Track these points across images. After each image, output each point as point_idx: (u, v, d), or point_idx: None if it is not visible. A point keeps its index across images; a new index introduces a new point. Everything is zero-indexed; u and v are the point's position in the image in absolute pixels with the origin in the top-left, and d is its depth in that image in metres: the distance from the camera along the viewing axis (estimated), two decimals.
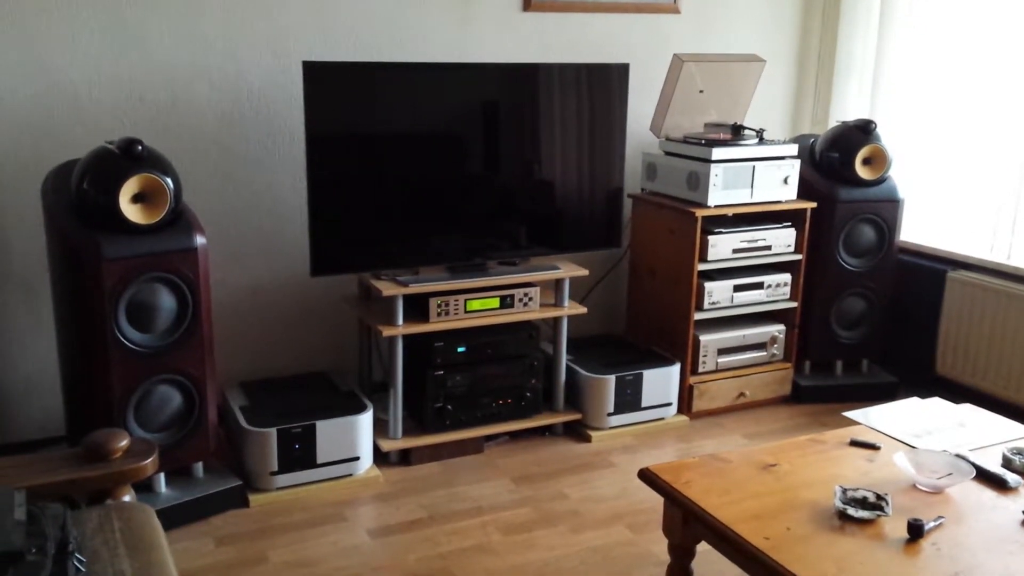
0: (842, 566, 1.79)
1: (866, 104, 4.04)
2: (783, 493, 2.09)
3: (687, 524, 2.10)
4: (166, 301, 2.56)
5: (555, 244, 3.29)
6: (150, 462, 2.06)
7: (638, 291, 3.72)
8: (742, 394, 3.56)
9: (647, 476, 2.17)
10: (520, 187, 3.20)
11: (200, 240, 2.59)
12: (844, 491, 2.04)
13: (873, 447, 2.34)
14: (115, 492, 2.04)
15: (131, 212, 2.48)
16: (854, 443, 2.37)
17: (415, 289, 2.96)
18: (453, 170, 3.08)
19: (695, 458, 2.28)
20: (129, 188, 2.46)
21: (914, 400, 2.68)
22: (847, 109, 4.08)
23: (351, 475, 2.90)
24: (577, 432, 3.33)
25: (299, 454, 2.81)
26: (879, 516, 1.95)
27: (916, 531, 1.88)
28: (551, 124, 3.19)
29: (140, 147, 2.50)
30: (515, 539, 2.63)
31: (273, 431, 2.76)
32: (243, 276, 3.27)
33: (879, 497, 2.02)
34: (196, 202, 3.09)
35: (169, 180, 2.54)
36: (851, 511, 1.97)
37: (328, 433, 2.83)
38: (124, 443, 2.04)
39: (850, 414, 2.58)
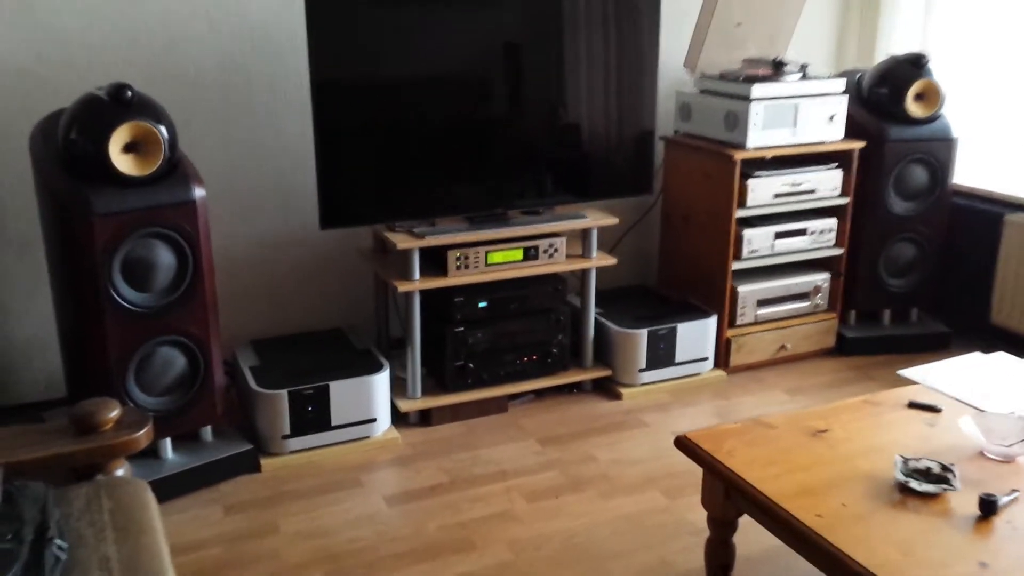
0: (907, 549, 1.59)
1: (917, 36, 3.74)
2: (836, 463, 1.90)
3: (729, 497, 1.91)
4: (164, 258, 2.39)
5: (582, 191, 3.07)
6: (143, 434, 1.89)
7: (671, 239, 3.49)
8: (783, 347, 3.35)
9: (684, 444, 1.99)
10: (544, 131, 2.97)
11: (199, 192, 2.41)
12: (905, 461, 1.84)
13: (934, 409, 2.13)
14: (107, 467, 1.89)
15: (122, 163, 2.30)
16: (912, 405, 2.15)
17: (432, 241, 2.77)
18: (471, 114, 2.86)
19: (737, 423, 2.09)
20: (119, 137, 2.28)
21: (976, 355, 2.45)
22: (896, 41, 3.78)
23: (368, 437, 2.75)
24: (607, 389, 3.15)
25: (312, 416, 2.65)
26: (946, 490, 1.75)
27: (989, 507, 1.68)
28: (576, 62, 2.95)
29: (130, 93, 2.30)
30: (541, 506, 2.47)
31: (284, 393, 2.61)
32: (252, 229, 3.09)
33: (944, 468, 1.81)
34: (197, 152, 2.90)
35: (163, 128, 2.35)
36: (914, 484, 1.77)
37: (342, 394, 2.67)
38: (115, 413, 1.88)
39: (906, 372, 2.36)
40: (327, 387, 2.65)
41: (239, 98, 2.97)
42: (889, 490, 1.79)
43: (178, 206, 2.38)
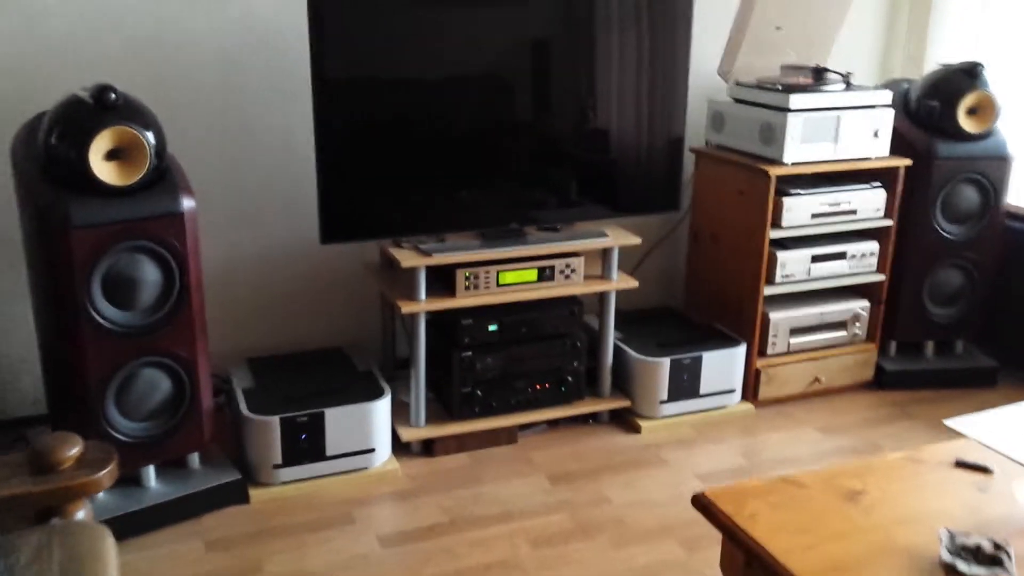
0: None
1: (971, 44, 3.48)
2: (873, 533, 1.68)
3: (750, 567, 1.70)
4: (149, 274, 2.23)
5: (604, 207, 2.86)
6: (106, 474, 1.73)
7: (699, 259, 3.28)
8: (817, 379, 3.12)
9: (702, 504, 1.78)
10: (565, 140, 2.77)
11: (187, 203, 2.24)
12: (952, 537, 1.62)
13: (985, 470, 1.90)
14: (65, 509, 1.73)
15: (104, 171, 2.14)
16: (960, 464, 1.92)
17: (439, 260, 2.58)
18: (486, 120, 2.66)
19: (762, 481, 1.87)
20: (101, 143, 2.12)
21: None
22: (948, 50, 3.52)
23: (365, 468, 2.57)
24: (625, 421, 2.94)
25: (305, 445, 2.48)
26: (998, 575, 1.53)
27: None
28: (601, 67, 2.74)
29: (114, 95, 2.14)
30: (546, 553, 2.27)
31: (276, 419, 2.44)
32: (253, 239, 2.93)
33: (997, 546, 1.59)
34: (195, 157, 2.75)
35: (149, 134, 2.18)
36: (962, 566, 1.55)
37: (339, 422, 2.50)
38: (75, 451, 1.72)
39: (953, 423, 2.13)
40: (322, 414, 2.48)
41: (240, 100, 2.80)
42: (932, 569, 1.57)
43: (164, 218, 2.21)
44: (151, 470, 2.38)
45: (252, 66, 2.78)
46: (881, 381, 3.23)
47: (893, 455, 1.99)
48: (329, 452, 2.51)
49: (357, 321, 3.11)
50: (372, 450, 2.56)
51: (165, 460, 2.39)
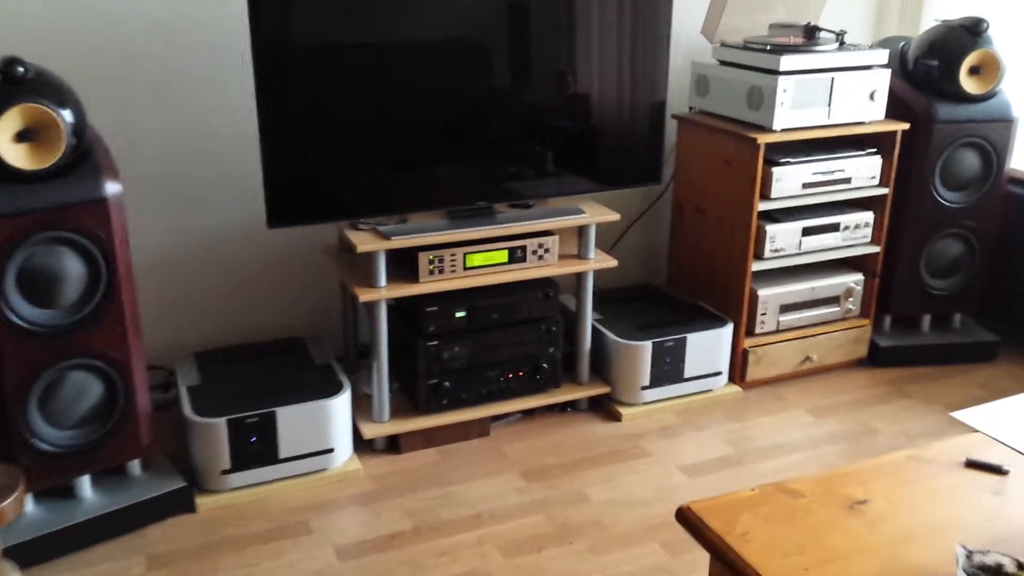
0: None
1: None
2: (879, 551, 1.50)
3: None
4: (71, 268, 2.00)
5: (578, 181, 2.64)
6: (9, 503, 1.53)
7: (682, 233, 3.07)
8: (808, 358, 2.94)
9: (688, 520, 1.59)
10: (535, 111, 2.54)
11: (112, 188, 2.01)
12: (969, 555, 1.43)
13: (999, 471, 1.72)
14: None
15: (13, 155, 1.90)
16: (971, 464, 1.74)
17: (400, 243, 2.36)
18: (448, 90, 2.42)
19: (753, 490, 1.68)
20: (8, 123, 1.88)
21: None
22: (945, 6, 3.30)
23: (324, 470, 2.38)
24: (604, 409, 2.75)
25: (256, 448, 2.28)
26: None
27: None
28: (574, 25, 2.51)
29: (22, 68, 1.90)
30: (519, 562, 2.09)
31: (222, 422, 2.23)
32: (201, 222, 2.69)
33: (1020, 566, 1.41)
34: (134, 134, 2.53)
35: (66, 111, 1.95)
36: None
37: (292, 422, 2.29)
38: None
39: (962, 415, 1.96)
40: (273, 415, 2.27)
41: (179, 67, 2.55)
42: None
43: (86, 205, 1.98)
44: (86, 480, 2.17)
45: (196, 34, 2.53)
46: (875, 358, 3.05)
47: (897, 455, 1.81)
48: (283, 454, 2.31)
49: (317, 308, 2.89)
50: (331, 450, 2.36)
51: (101, 469, 2.18)
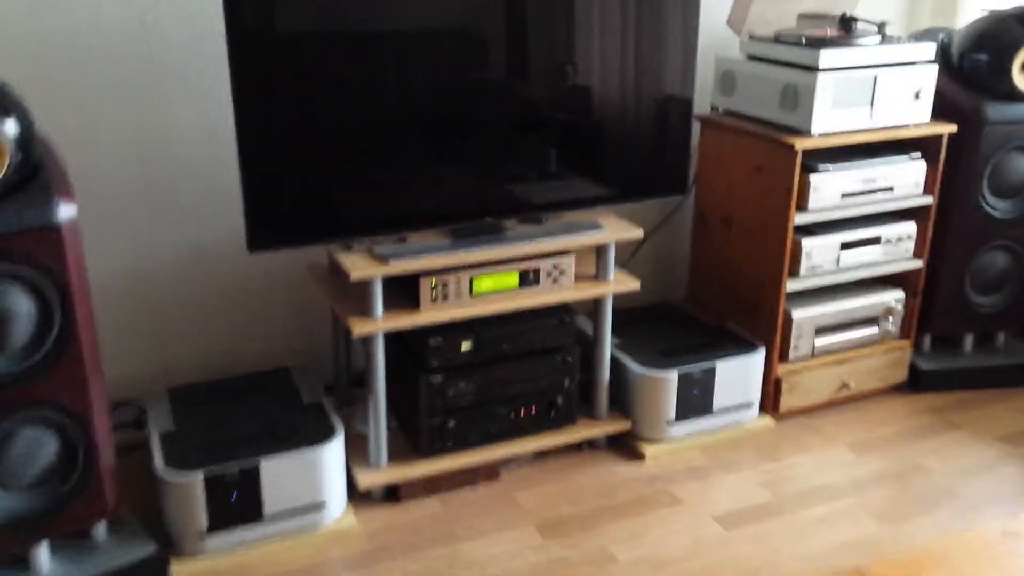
0: None
1: None
2: None
3: None
4: (18, 306, 1.70)
5: (595, 193, 2.36)
6: None
7: (706, 247, 2.80)
8: (845, 385, 2.68)
9: None
10: (547, 114, 2.25)
11: (65, 211, 1.71)
12: None
13: None
14: None
15: None
16: None
17: (398, 267, 2.08)
18: (449, 90, 2.13)
19: None
20: None
21: None
22: None
23: (315, 528, 2.10)
24: (626, 446, 2.48)
25: (238, 506, 2.00)
26: None
27: None
28: (592, 17, 2.22)
29: None
30: None
31: (198, 477, 1.95)
32: (176, 241, 2.40)
33: None
34: (102, 145, 2.24)
35: (9, 121, 1.65)
36: None
37: (279, 474, 2.01)
38: None
39: None
40: (257, 467, 1.99)
41: (151, 67, 2.25)
42: None
43: (35, 233, 1.68)
44: (44, 549, 1.89)
45: (170, 30, 2.23)
46: (916, 382, 2.80)
47: (988, 530, 1.56)
48: (268, 511, 2.03)
49: (305, 333, 2.61)
50: (322, 504, 2.09)
51: (60, 536, 1.89)
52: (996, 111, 2.59)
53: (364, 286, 2.08)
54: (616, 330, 2.53)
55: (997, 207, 2.67)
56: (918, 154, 2.60)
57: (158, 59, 2.25)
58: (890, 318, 2.71)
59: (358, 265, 2.07)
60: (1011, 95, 2.59)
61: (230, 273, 2.48)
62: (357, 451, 2.27)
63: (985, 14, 2.69)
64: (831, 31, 2.58)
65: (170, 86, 2.28)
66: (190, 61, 2.28)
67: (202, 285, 2.46)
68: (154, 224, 2.36)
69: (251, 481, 1.99)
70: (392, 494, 2.25)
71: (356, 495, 2.20)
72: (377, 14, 1.99)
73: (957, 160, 2.62)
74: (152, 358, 2.46)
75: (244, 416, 2.17)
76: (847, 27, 2.60)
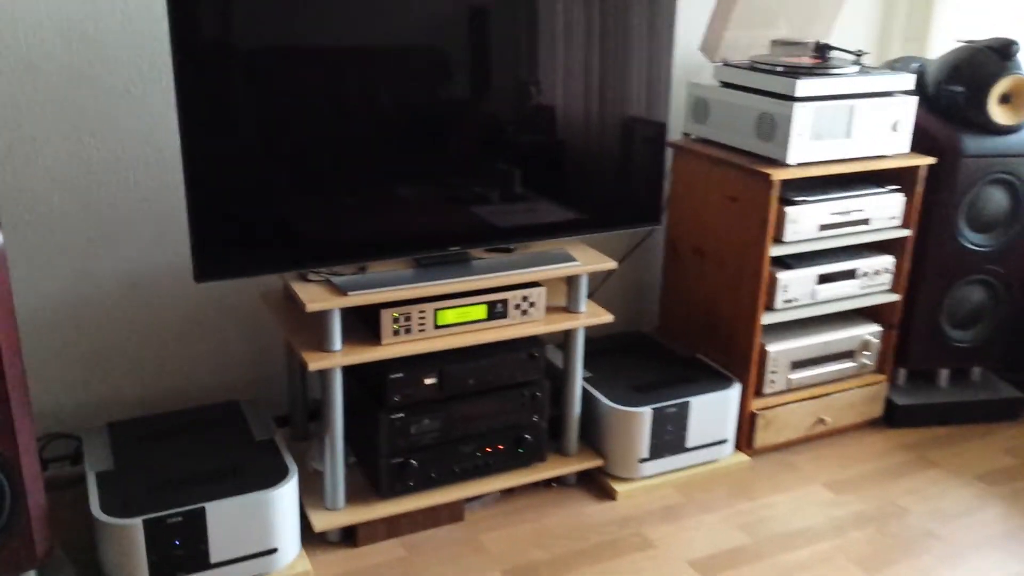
0: None
1: (983, 15, 2.99)
2: None
3: None
4: None
5: (565, 222, 2.26)
6: None
7: (677, 277, 2.72)
8: (821, 420, 2.61)
9: None
10: (517, 139, 2.16)
11: None
12: None
13: None
14: None
15: None
16: None
17: (358, 299, 1.96)
18: (413, 112, 2.03)
19: None
20: None
21: None
22: (958, 22, 3.02)
23: (266, 574, 1.96)
24: (596, 483, 2.38)
25: (182, 553, 1.85)
26: None
27: None
28: (557, 38, 2.13)
29: None
30: None
31: (138, 523, 1.80)
32: (117, 264, 2.26)
33: None
34: (36, 161, 2.10)
35: None
36: None
37: (226, 519, 1.87)
38: None
39: None
40: (202, 512, 1.85)
41: (95, 85, 2.12)
42: None
43: None
44: None
45: (108, 45, 2.10)
46: (891, 418, 2.73)
47: None
48: (215, 559, 1.88)
49: (258, 361, 2.47)
50: (274, 550, 1.95)
51: None
52: (973, 144, 2.55)
53: (321, 318, 1.96)
54: (586, 361, 2.43)
55: (974, 240, 2.62)
56: (897, 186, 2.54)
57: (100, 73, 2.12)
58: (866, 352, 2.64)
59: (315, 296, 1.95)
60: (987, 127, 2.55)
61: (177, 299, 2.34)
62: (312, 490, 2.14)
63: (960, 44, 2.66)
64: (807, 59, 2.53)
65: (113, 102, 2.15)
66: (134, 76, 2.15)
67: (146, 312, 2.32)
68: (91, 247, 2.22)
69: (196, 526, 1.85)
70: (350, 536, 2.11)
71: (311, 537, 2.06)
72: (334, 30, 1.88)
73: (932, 192, 2.57)
74: (92, 389, 2.31)
75: (189, 454, 2.03)
76: (823, 55, 2.55)
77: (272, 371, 2.49)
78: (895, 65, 2.78)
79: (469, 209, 2.14)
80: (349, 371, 2.07)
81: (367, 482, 2.18)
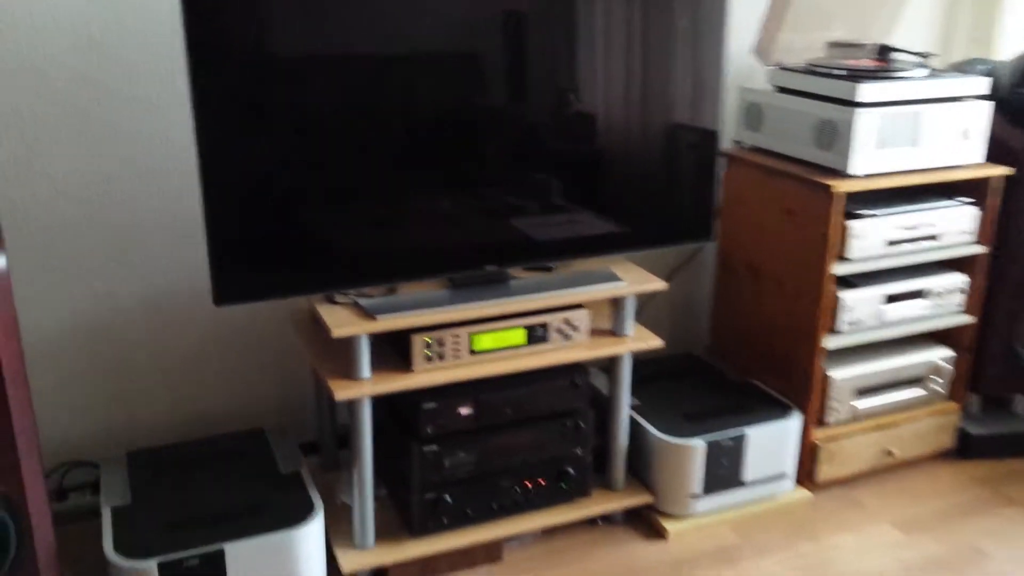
0: None
1: None
2: None
3: None
4: None
5: (608, 238, 2.11)
6: None
7: (731, 295, 2.55)
8: (888, 452, 2.41)
9: None
10: (552, 147, 2.01)
11: None
12: None
13: None
14: None
15: None
16: None
17: (387, 324, 1.82)
18: (446, 120, 1.89)
19: None
20: None
21: None
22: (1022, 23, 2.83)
23: None
24: (645, 521, 2.21)
25: None
26: None
27: None
28: (599, 42, 1.99)
29: None
30: None
31: (153, 566, 1.68)
32: (138, 284, 2.15)
33: None
34: (51, 176, 2.00)
35: None
36: None
37: (247, 561, 1.74)
38: None
39: None
40: (222, 554, 1.72)
41: (111, 91, 2.02)
42: None
43: None
44: None
45: (124, 50, 2.00)
46: (964, 449, 2.53)
47: None
48: None
49: (286, 384, 2.35)
50: None
51: None
52: None
53: (348, 343, 1.83)
54: (633, 387, 2.26)
55: None
56: (968, 198, 2.35)
57: (116, 80, 2.02)
58: (937, 377, 2.44)
59: (341, 320, 1.81)
60: None
61: (200, 321, 2.22)
62: (340, 526, 2.00)
63: None
64: (868, 61, 2.36)
65: (130, 112, 2.04)
66: (150, 83, 2.05)
67: (168, 335, 2.21)
68: (110, 267, 2.11)
69: (215, 568, 1.72)
70: None
71: None
72: (363, 35, 1.75)
73: (1007, 204, 2.37)
74: (113, 416, 2.20)
75: (210, 488, 1.91)
76: (886, 57, 2.37)
77: (301, 393, 2.37)
78: (963, 68, 2.59)
79: (506, 224, 1.99)
80: (379, 399, 1.93)
81: (399, 518, 2.04)
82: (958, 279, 2.38)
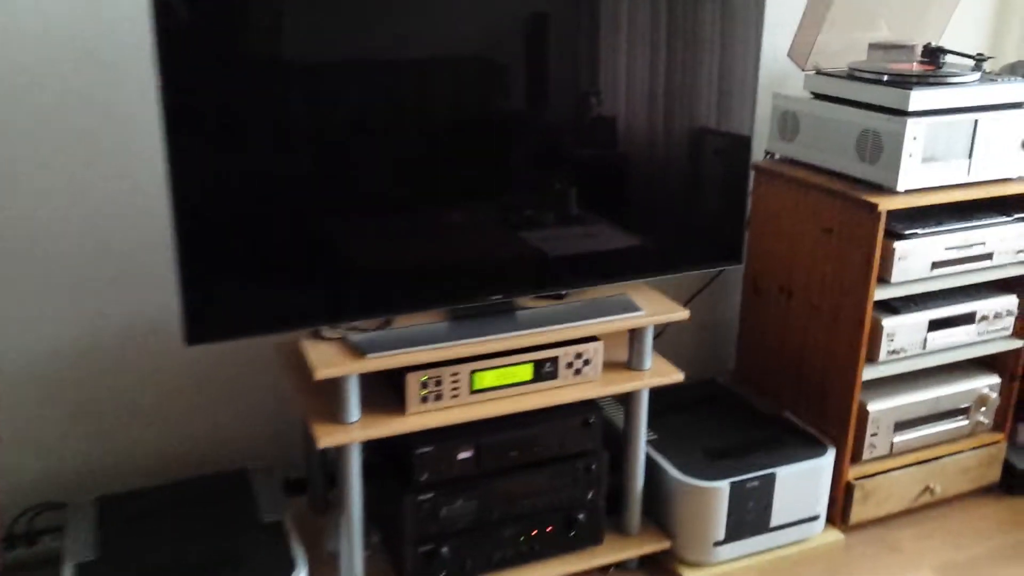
0: None
1: None
2: None
3: None
4: None
5: (627, 262, 1.90)
6: None
7: (759, 318, 2.34)
8: (929, 489, 2.21)
9: None
10: (565, 159, 1.81)
11: None
12: None
13: None
14: None
15: None
16: None
17: (379, 362, 1.63)
18: (448, 135, 1.69)
19: None
20: None
21: None
22: None
23: None
24: (662, 568, 2.02)
25: None
26: None
27: None
28: (620, 44, 1.78)
29: None
30: None
31: None
32: (114, 313, 1.96)
33: None
34: (26, 197, 1.82)
35: None
36: None
37: None
38: None
39: None
40: None
41: (96, 109, 1.82)
42: None
43: None
44: None
45: (109, 67, 1.80)
46: (1010, 483, 2.33)
47: None
48: None
49: (271, 418, 2.17)
50: None
51: None
52: None
53: (335, 384, 1.64)
54: (650, 418, 2.06)
55: None
56: (1022, 214, 2.14)
57: (102, 99, 1.82)
58: (983, 408, 2.24)
59: (328, 359, 1.62)
60: None
61: (180, 350, 2.04)
62: None
63: None
64: (915, 65, 2.14)
65: (113, 132, 1.85)
66: (140, 103, 1.85)
67: (144, 366, 2.02)
68: (83, 295, 1.93)
69: None
70: None
71: None
72: (354, 42, 1.55)
73: None
74: (82, 455, 2.02)
75: (183, 539, 1.73)
76: (935, 60, 2.15)
77: (290, 427, 2.19)
78: (1018, 70, 2.36)
79: (516, 242, 1.79)
80: (370, 450, 1.74)
81: (392, 569, 1.86)
82: (1008, 301, 2.17)
